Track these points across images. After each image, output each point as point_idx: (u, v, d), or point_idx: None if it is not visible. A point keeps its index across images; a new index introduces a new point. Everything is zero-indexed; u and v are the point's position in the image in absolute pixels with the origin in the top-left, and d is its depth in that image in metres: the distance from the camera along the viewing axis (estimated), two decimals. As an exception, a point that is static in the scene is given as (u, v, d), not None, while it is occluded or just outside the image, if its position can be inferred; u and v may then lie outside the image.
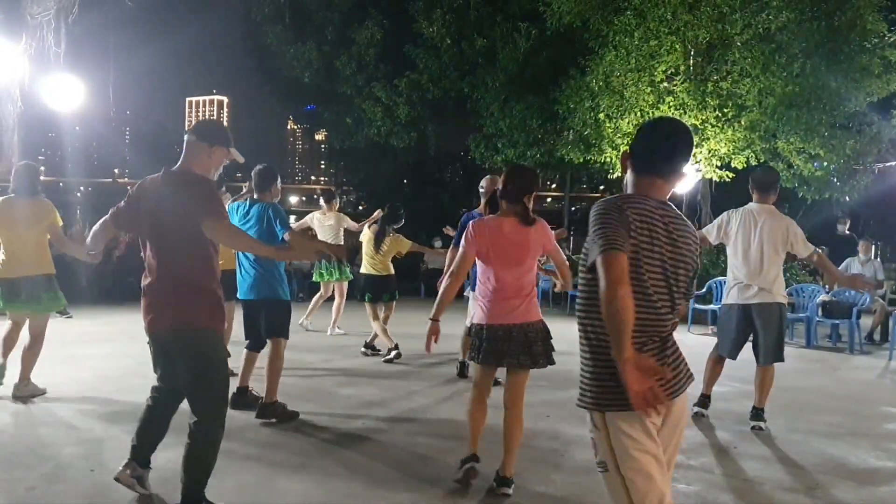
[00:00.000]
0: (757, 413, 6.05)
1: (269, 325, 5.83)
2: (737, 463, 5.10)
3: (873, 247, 12.10)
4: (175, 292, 3.63)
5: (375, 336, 8.85)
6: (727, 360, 6.39)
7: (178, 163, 3.79)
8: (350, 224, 10.21)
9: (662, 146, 2.57)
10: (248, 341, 6.04)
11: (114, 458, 4.66)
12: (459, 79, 16.73)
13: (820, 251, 6.26)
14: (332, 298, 10.36)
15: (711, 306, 11.77)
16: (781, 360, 6.10)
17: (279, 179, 6.05)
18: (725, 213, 6.28)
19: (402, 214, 8.74)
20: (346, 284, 10.15)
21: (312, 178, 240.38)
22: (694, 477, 4.80)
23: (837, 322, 10.84)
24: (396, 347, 8.50)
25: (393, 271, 8.86)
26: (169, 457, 4.31)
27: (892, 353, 10.02)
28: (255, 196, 5.89)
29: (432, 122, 18.29)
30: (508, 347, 4.19)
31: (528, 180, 4.32)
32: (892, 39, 12.65)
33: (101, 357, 8.08)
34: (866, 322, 11.64)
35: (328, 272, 9.87)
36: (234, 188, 8.18)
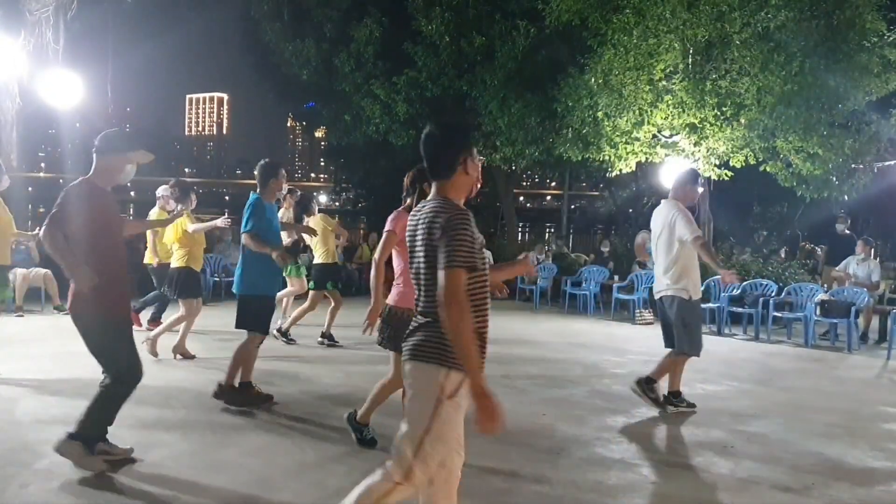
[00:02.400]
0: (666, 397, 6.40)
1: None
2: (732, 462, 5.09)
3: (871, 247, 12.06)
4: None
5: (330, 325, 9.24)
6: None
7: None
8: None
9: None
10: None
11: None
12: (458, 77, 16.67)
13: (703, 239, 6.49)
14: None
15: (710, 305, 11.76)
16: (684, 352, 6.27)
17: (279, 175, 6.25)
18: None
19: (311, 199, 9.36)
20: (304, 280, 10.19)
21: (312, 175, 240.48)
22: (689, 476, 4.81)
23: (835, 321, 10.82)
24: (288, 335, 9.16)
25: (334, 260, 9.42)
26: (164, 454, 4.30)
27: (889, 353, 10.01)
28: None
29: (431, 120, 18.24)
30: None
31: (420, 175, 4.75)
32: (891, 38, 12.60)
33: (98, 354, 8.07)
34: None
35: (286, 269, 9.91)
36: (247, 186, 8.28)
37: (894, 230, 23.34)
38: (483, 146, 16.38)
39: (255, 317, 5.97)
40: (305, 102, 23.60)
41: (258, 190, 6.15)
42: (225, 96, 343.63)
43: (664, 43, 12.67)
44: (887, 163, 14.50)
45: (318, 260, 9.29)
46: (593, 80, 13.50)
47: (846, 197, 13.87)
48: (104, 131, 4.44)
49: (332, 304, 9.30)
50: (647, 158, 14.00)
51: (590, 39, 13.80)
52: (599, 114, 13.57)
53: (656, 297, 6.43)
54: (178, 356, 7.90)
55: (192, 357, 7.96)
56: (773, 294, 11.60)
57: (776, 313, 11.25)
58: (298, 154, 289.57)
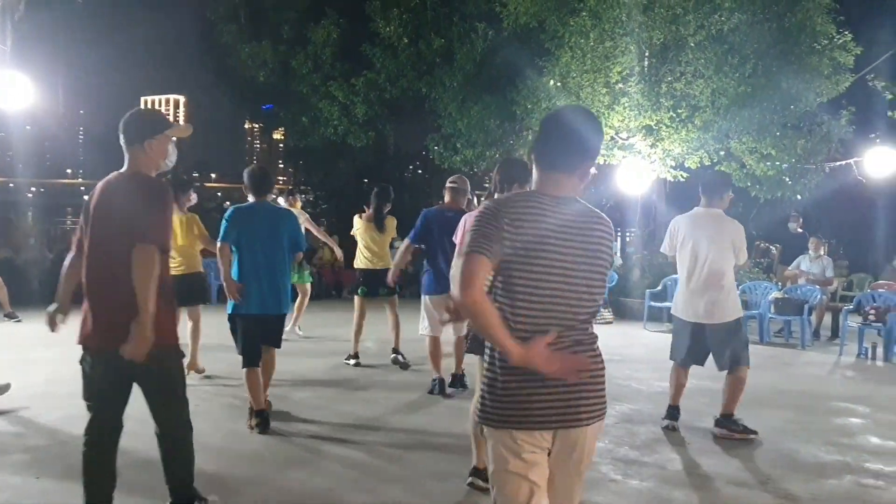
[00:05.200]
0: (721, 419, 5.83)
1: (274, 337, 5.69)
2: (690, 458, 5.16)
3: (824, 245, 12.32)
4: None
5: (397, 337, 8.31)
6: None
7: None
8: (310, 224, 9.82)
9: (558, 139, 2.46)
10: (247, 358, 5.54)
11: (61, 464, 4.57)
12: (417, 78, 16.68)
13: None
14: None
15: (667, 304, 11.90)
16: (746, 363, 5.78)
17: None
18: (673, 221, 6.09)
19: (391, 191, 8.49)
20: (308, 286, 9.97)
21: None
22: (647, 473, 4.85)
23: (789, 318, 11.02)
24: (356, 357, 8.27)
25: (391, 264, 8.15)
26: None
27: (842, 349, 10.23)
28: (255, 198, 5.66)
29: (390, 122, 18.21)
30: None
31: (511, 170, 4.42)
32: (840, 41, 12.92)
33: (53, 361, 7.87)
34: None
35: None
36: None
37: (845, 229, 23.84)
38: (443, 148, 16.40)
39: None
40: (263, 104, 23.41)
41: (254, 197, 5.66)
42: (182, 98, 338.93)
43: (620, 46, 12.82)
44: (838, 163, 14.81)
45: (366, 265, 8.35)
46: (551, 82, 13.59)
47: (799, 196, 14.15)
48: (129, 115, 3.62)
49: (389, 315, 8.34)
50: (604, 160, 14.13)
51: (547, 42, 13.89)
52: (558, 116, 13.62)
53: (700, 320, 5.73)
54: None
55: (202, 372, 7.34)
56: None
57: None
58: (257, 156, 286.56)
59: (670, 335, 6.28)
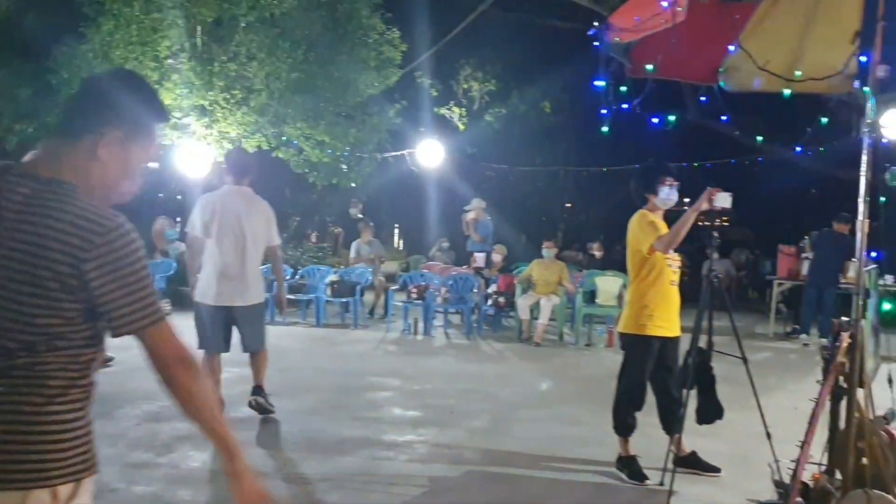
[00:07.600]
0: (256, 390, 5.75)
1: None
2: (208, 453, 4.75)
3: (372, 228, 13.11)
4: None
5: None
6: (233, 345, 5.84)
7: None
8: None
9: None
10: None
11: None
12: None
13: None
14: None
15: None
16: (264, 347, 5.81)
17: None
18: (203, 199, 5.72)
19: None
20: None
21: None
22: (157, 475, 4.39)
23: (346, 300, 11.37)
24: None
25: None
26: None
27: (388, 326, 10.81)
28: None
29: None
30: None
31: None
32: (389, 37, 13.64)
33: None
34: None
35: None
36: None
37: (403, 215, 25.90)
38: (-39, 120, 13.89)
39: None
40: None
41: None
42: None
43: (168, 18, 11.96)
44: (392, 153, 15.74)
45: None
46: (90, 54, 12.21)
47: (353, 184, 14.75)
48: None
49: None
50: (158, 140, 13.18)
51: (86, 7, 12.42)
52: (102, 88, 12.33)
53: (233, 304, 5.47)
54: None
55: None
56: (288, 277, 11.78)
57: (290, 296, 11.45)
58: None
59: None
